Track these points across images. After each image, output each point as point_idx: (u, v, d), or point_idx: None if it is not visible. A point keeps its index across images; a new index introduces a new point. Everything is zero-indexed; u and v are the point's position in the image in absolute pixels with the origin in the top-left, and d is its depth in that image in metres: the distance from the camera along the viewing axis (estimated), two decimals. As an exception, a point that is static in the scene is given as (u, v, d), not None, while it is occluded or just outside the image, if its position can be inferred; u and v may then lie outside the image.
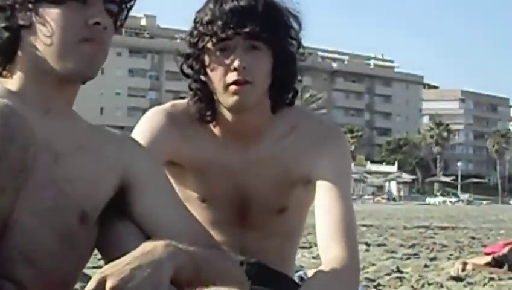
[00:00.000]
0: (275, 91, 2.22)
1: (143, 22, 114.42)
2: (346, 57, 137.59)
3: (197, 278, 1.51)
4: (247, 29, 2.08)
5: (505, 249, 6.41)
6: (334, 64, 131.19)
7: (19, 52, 1.71)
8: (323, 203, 2.13)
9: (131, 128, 2.23)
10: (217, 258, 1.64)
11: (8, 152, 1.17)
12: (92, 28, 1.65)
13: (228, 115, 2.21)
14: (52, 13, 1.66)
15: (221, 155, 2.24)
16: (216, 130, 2.25)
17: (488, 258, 6.44)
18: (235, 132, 2.25)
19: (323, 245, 2.09)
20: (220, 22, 2.08)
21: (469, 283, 5.61)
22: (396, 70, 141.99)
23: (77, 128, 1.81)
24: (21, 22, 1.69)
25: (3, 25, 1.69)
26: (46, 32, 1.66)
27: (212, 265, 1.58)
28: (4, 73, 1.73)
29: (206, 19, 2.12)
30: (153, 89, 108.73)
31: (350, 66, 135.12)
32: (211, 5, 2.12)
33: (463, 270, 6.26)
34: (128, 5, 1.79)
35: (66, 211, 1.69)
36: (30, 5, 1.66)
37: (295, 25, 2.22)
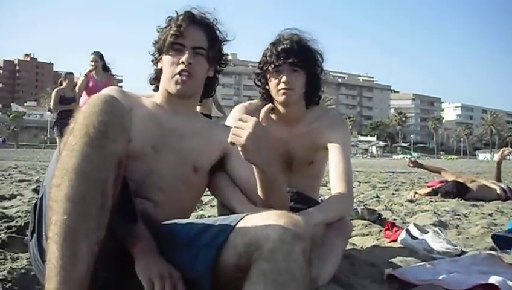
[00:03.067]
0: (307, 96, 2.22)
1: (229, 57, 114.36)
2: (346, 76, 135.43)
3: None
4: (290, 60, 2.10)
5: (439, 185, 6.37)
6: (339, 80, 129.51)
7: (161, 81, 1.79)
8: (334, 159, 2.14)
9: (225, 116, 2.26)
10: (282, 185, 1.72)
11: (113, 119, 1.19)
12: (182, 65, 1.70)
13: (281, 108, 2.22)
14: (165, 59, 1.74)
15: (277, 131, 2.23)
16: (274, 117, 2.26)
17: (429, 190, 6.39)
18: (284, 118, 2.25)
19: (333, 183, 2.09)
20: (275, 56, 2.11)
21: (418, 204, 5.53)
22: (375, 82, 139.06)
23: (194, 122, 1.84)
24: (159, 66, 1.80)
25: (155, 67, 1.84)
26: (165, 69, 1.75)
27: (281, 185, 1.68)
28: (156, 92, 1.84)
29: (268, 54, 2.15)
30: (235, 95, 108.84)
31: (348, 80, 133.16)
32: (270, 46, 2.16)
33: (414, 196, 6.21)
34: (214, 48, 1.81)
35: (184, 165, 1.73)
36: (159, 56, 1.78)
37: (319, 58, 2.22)
